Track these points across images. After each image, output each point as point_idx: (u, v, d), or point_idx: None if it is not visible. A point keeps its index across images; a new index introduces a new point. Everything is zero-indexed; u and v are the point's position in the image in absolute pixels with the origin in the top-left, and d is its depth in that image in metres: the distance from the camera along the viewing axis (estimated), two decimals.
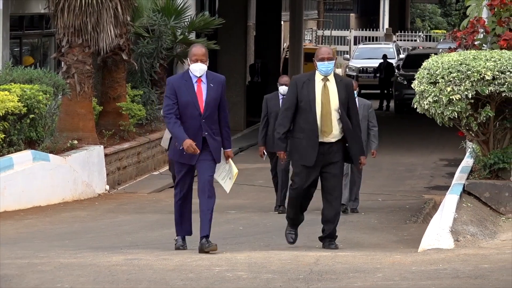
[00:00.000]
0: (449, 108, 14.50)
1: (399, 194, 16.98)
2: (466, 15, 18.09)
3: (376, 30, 70.81)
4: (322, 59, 13.47)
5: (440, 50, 26.51)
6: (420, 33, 73.20)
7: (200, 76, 12.71)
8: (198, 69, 12.67)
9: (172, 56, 25.12)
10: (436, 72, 14.62)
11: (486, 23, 16.72)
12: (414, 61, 38.88)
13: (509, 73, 14.33)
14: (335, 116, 13.29)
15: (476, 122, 14.69)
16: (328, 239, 13.65)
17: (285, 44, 53.31)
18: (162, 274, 11.41)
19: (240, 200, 18.11)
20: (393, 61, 50.73)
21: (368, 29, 70.37)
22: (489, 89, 14.33)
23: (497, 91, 14.36)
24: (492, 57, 14.65)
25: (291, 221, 13.87)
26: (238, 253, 13.07)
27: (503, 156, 14.79)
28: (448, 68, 14.53)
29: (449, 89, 14.42)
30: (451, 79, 14.44)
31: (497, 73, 14.32)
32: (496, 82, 14.31)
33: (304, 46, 51.84)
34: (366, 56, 54.51)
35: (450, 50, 16.78)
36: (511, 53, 14.91)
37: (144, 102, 23.60)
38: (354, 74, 52.17)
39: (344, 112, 13.31)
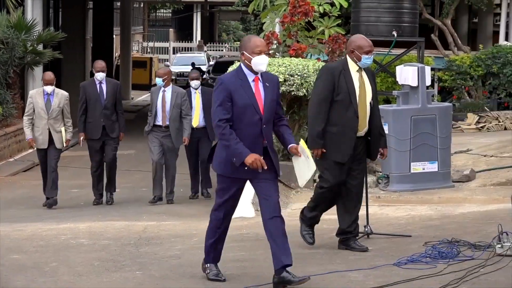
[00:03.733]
0: None
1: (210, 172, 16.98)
2: (263, 30, 18.31)
3: (191, 42, 70.84)
4: (367, 52, 10.13)
5: None
6: (226, 44, 73.57)
7: (257, 74, 8.62)
8: (264, 62, 8.53)
9: (23, 64, 24.76)
10: None
11: (278, 36, 16.92)
12: (221, 66, 39.08)
13: (297, 76, 14.55)
14: (369, 109, 10.30)
15: None
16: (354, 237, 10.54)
17: (116, 53, 53.06)
18: (18, 243, 11.31)
19: (83, 181, 17.86)
20: (204, 67, 50.90)
21: (184, 41, 70.57)
22: (282, 89, 14.51)
23: (288, 91, 14.57)
24: (283, 63, 14.85)
25: (311, 220, 10.74)
26: (80, 223, 12.99)
27: None
28: None
29: None
30: None
31: (287, 76, 14.53)
32: (287, 83, 14.51)
33: (132, 55, 51.63)
34: (183, 63, 54.33)
35: None
36: (298, 60, 15.15)
37: (1, 102, 23.17)
38: (173, 77, 52.11)
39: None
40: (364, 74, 10.22)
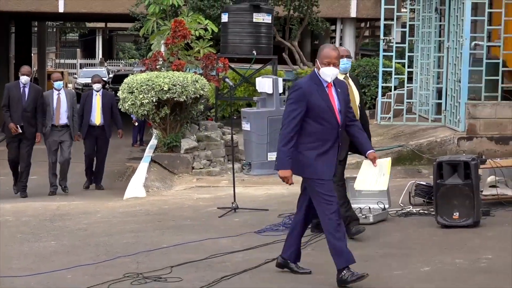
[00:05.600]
0: (141, 108, 14.53)
1: (110, 163, 16.82)
2: (151, 50, 18.21)
3: (94, 59, 70.08)
4: (342, 57, 8.89)
5: (135, 71, 26.45)
6: (122, 61, 73.07)
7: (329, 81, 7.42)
8: (330, 73, 7.33)
9: None
10: (133, 86, 14.61)
11: (163, 54, 16.84)
12: (119, 78, 38.61)
13: (178, 85, 14.46)
14: (359, 111, 9.08)
15: (159, 117, 14.78)
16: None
17: (35, 68, 52.07)
18: None
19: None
20: (105, 79, 50.30)
21: (88, 59, 69.94)
22: (166, 96, 14.40)
23: (171, 97, 14.49)
24: (168, 76, 14.74)
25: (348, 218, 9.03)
26: (7, 204, 12.69)
27: (176, 138, 14.95)
28: (141, 83, 14.55)
29: (141, 96, 14.45)
30: (142, 89, 14.47)
31: (171, 86, 14.43)
32: (170, 92, 14.41)
33: (47, 70, 50.66)
34: (88, 76, 53.22)
35: (142, 71, 16.82)
36: (179, 73, 15.06)
37: None
38: (80, 87, 51.33)
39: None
40: (350, 80, 9.14)
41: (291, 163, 7.37)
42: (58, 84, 14.88)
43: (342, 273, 7.09)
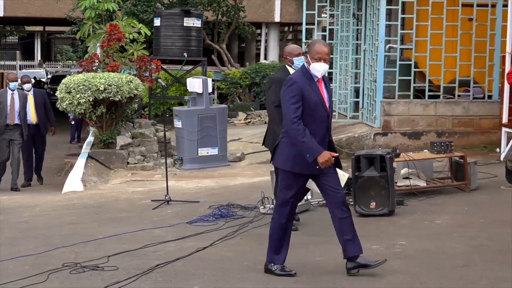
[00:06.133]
0: (79, 107, 14.39)
1: (49, 159, 16.54)
2: (87, 52, 18.01)
3: (33, 61, 68.95)
4: (298, 55, 8.73)
5: (72, 72, 26.13)
6: (60, 63, 72.07)
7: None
8: (321, 69, 6.84)
9: None
10: (70, 86, 14.44)
11: (99, 56, 16.67)
12: (57, 79, 37.97)
13: (113, 86, 14.35)
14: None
15: (95, 115, 14.65)
16: None
17: None
18: None
19: None
20: (44, 79, 49.49)
21: (28, 60, 68.84)
22: (102, 95, 14.28)
23: (107, 97, 14.36)
24: (103, 76, 14.61)
25: None
26: None
27: (111, 135, 14.82)
28: (78, 83, 14.39)
29: (78, 96, 14.29)
30: (79, 89, 14.31)
31: (107, 86, 14.30)
32: (106, 91, 14.29)
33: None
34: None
35: (79, 72, 16.63)
36: (114, 74, 14.94)
37: None
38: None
39: None
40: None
41: (281, 155, 6.92)
42: (13, 84, 14.61)
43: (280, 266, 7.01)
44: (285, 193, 6.93)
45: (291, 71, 8.58)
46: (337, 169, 6.91)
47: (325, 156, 6.66)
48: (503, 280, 6.53)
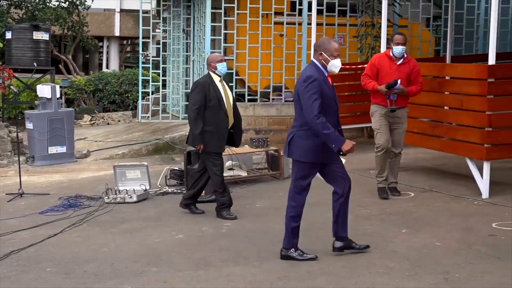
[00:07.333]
0: None
1: None
2: None
3: None
4: (221, 61, 8.51)
5: None
6: None
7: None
8: (339, 65, 6.44)
9: None
10: None
11: None
12: None
13: None
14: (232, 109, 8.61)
15: None
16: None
17: None
18: None
19: None
20: None
21: None
22: None
23: None
24: None
25: (194, 199, 8.92)
26: None
27: None
28: None
29: None
30: None
31: None
32: None
33: None
34: None
35: None
36: None
37: None
38: None
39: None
40: (224, 83, 8.58)
41: (298, 148, 6.46)
42: None
43: None
44: (302, 182, 6.52)
45: (214, 76, 8.51)
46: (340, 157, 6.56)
47: (349, 145, 6.29)
48: (309, 250, 6.74)
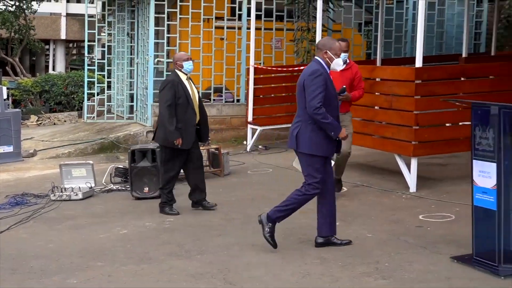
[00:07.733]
0: None
1: None
2: None
3: None
4: (187, 59, 8.37)
5: None
6: None
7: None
8: (342, 63, 6.59)
9: None
10: None
11: None
12: None
13: None
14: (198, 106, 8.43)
15: None
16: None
17: None
18: None
19: None
20: None
21: None
22: None
23: None
24: None
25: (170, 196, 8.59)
26: None
27: None
28: None
29: None
30: None
31: None
32: None
33: None
34: None
35: None
36: None
37: None
38: None
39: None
40: (190, 81, 8.43)
41: (310, 142, 6.40)
42: None
43: None
44: (319, 173, 6.42)
45: (181, 74, 8.34)
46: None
47: (344, 132, 6.40)
48: (251, 244, 6.74)
